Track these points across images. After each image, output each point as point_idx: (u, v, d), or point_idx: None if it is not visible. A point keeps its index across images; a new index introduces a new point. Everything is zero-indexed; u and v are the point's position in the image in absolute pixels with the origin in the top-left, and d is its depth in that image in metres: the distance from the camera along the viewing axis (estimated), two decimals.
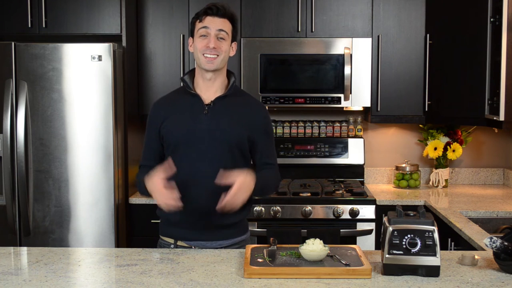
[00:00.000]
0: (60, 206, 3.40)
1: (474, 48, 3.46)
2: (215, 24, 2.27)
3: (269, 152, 2.38)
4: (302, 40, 3.73)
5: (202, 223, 2.29)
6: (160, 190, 2.12)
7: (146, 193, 2.28)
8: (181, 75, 3.66)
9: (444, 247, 2.78)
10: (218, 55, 2.27)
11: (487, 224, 3.08)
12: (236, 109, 2.33)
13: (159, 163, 2.40)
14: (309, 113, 4.15)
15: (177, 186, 2.30)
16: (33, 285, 1.83)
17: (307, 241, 1.98)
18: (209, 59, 2.27)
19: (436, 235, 1.85)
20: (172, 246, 2.34)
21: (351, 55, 3.69)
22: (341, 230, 3.40)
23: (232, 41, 2.34)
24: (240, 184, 2.10)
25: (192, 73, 2.40)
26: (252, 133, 2.32)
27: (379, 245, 3.36)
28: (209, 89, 2.34)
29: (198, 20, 2.30)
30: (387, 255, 1.87)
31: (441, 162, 3.94)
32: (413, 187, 3.92)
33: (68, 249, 2.26)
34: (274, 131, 4.03)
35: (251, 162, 2.41)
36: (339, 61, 3.70)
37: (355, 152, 3.99)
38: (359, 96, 3.72)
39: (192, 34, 2.35)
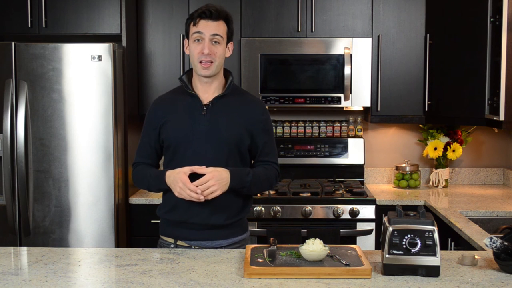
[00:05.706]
0: (60, 206, 3.40)
1: (474, 48, 3.46)
2: (209, 29, 2.25)
3: (268, 150, 2.37)
4: (302, 40, 3.73)
5: (201, 222, 2.29)
6: (186, 182, 2.14)
7: (158, 187, 2.29)
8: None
9: (444, 247, 2.78)
10: (213, 61, 2.26)
11: (487, 224, 3.08)
12: (234, 108, 2.32)
13: (155, 162, 2.41)
14: (309, 113, 4.15)
15: None
16: (33, 285, 1.83)
17: (307, 241, 1.98)
18: (205, 66, 2.25)
19: (436, 235, 1.85)
20: (172, 246, 2.34)
21: (351, 55, 3.68)
22: (341, 230, 3.40)
23: (228, 42, 2.32)
24: (211, 175, 2.14)
25: (190, 73, 2.39)
26: (250, 130, 2.31)
27: (379, 245, 3.36)
28: (207, 90, 2.33)
29: (192, 23, 2.28)
30: (387, 255, 1.87)
31: (441, 162, 3.94)
32: (413, 187, 3.92)
33: (68, 249, 2.26)
34: (274, 131, 4.02)
35: (252, 162, 2.41)
36: (339, 61, 3.70)
37: (355, 152, 3.99)
38: (359, 96, 3.72)
39: (187, 36, 2.33)
